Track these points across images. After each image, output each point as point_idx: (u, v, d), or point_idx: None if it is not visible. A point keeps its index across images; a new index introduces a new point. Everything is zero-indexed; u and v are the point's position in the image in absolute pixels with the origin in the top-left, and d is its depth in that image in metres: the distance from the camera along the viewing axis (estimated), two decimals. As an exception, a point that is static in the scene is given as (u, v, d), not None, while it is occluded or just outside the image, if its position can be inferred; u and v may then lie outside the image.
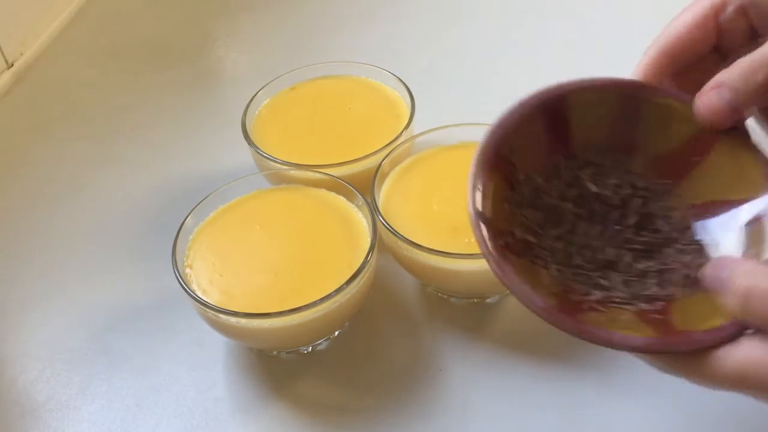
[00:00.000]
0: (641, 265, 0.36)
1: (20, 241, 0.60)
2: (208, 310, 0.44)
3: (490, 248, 0.34)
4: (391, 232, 0.47)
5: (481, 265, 0.46)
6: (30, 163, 0.68)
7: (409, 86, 0.58)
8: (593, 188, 0.38)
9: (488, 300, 0.51)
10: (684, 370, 0.32)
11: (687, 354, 0.31)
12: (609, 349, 0.48)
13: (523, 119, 0.37)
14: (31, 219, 0.62)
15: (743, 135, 0.36)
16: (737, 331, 0.30)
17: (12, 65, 0.78)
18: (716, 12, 0.36)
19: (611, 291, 0.35)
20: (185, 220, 0.49)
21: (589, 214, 0.37)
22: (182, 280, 0.46)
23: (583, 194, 0.38)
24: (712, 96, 0.34)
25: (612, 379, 0.46)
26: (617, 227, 0.37)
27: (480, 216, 0.34)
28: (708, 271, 0.32)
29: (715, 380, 0.30)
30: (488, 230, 0.34)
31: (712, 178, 0.36)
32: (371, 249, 0.46)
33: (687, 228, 0.37)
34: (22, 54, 0.80)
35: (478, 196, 0.35)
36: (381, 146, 0.53)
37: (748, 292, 0.30)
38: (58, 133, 0.71)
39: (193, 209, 0.50)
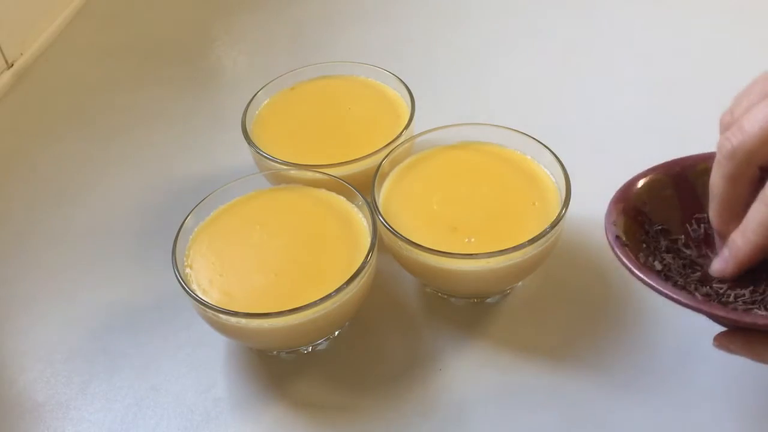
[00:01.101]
0: None
1: (20, 241, 0.60)
2: (208, 310, 0.44)
3: (630, 260, 0.37)
4: (391, 232, 0.47)
5: (481, 265, 0.46)
6: (30, 163, 0.68)
7: (409, 86, 0.58)
8: None
9: (488, 300, 0.51)
10: None
11: None
12: (608, 350, 0.48)
13: (652, 180, 0.41)
14: (32, 219, 0.62)
15: None
16: None
17: (12, 65, 0.78)
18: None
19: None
20: (185, 220, 0.49)
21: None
22: (182, 280, 0.46)
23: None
24: (719, 261, 0.38)
25: (612, 378, 0.46)
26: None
27: (617, 239, 0.38)
28: None
29: None
30: (624, 249, 0.38)
31: None
32: (371, 249, 0.46)
33: None
34: (22, 54, 0.80)
35: (612, 227, 0.39)
36: (381, 146, 0.53)
37: None
38: (58, 133, 0.71)
39: (193, 209, 0.50)
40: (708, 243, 0.41)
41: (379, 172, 0.51)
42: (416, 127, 0.55)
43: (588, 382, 0.46)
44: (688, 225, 0.42)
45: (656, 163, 0.43)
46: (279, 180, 0.54)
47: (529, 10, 0.82)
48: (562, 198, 0.48)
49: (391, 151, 0.52)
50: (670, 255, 0.40)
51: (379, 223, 0.48)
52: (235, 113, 0.58)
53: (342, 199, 0.51)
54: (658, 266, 0.39)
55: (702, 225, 0.42)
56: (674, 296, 0.35)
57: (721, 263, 0.38)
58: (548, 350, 0.48)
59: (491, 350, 0.48)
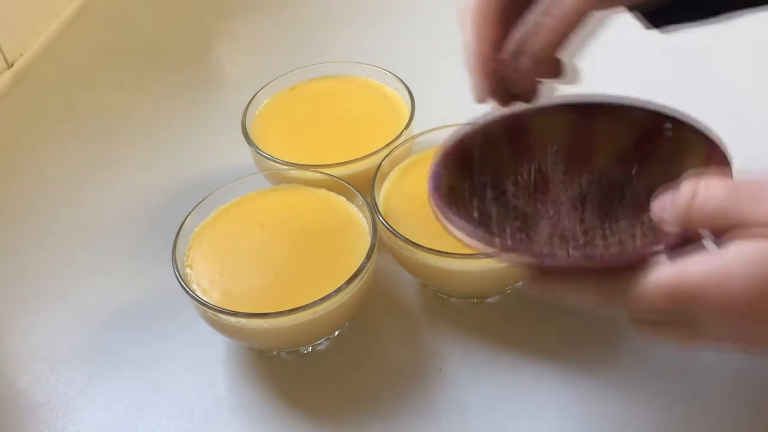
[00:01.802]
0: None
1: (20, 241, 0.60)
2: (208, 310, 0.44)
3: (436, 197, 0.37)
4: (391, 232, 0.47)
5: (481, 265, 0.46)
6: (30, 164, 0.68)
7: (409, 86, 0.58)
8: (554, 186, 0.41)
9: (488, 300, 0.51)
10: (616, 294, 0.31)
11: (619, 274, 0.31)
12: (608, 350, 0.48)
13: (486, 128, 0.41)
14: (32, 219, 0.62)
15: (686, 124, 0.38)
16: (675, 242, 0.31)
17: (12, 65, 0.78)
18: None
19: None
20: (185, 220, 0.49)
21: (550, 211, 0.40)
22: (182, 280, 0.46)
23: (542, 193, 0.41)
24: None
25: (612, 378, 0.46)
26: (575, 214, 0.39)
27: (436, 189, 0.37)
28: (653, 206, 0.33)
29: (647, 298, 0.30)
30: (439, 189, 0.37)
31: (662, 165, 0.39)
32: (371, 249, 0.46)
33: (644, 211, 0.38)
34: (22, 54, 0.80)
35: (437, 177, 0.38)
36: (381, 146, 0.53)
37: (688, 201, 0.30)
38: (58, 133, 0.71)
39: (193, 209, 0.50)
40: (538, 189, 0.41)
41: (379, 172, 0.51)
42: (416, 127, 0.55)
43: (588, 382, 0.46)
44: (518, 174, 0.42)
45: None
46: (279, 180, 0.54)
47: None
48: (562, 198, 0.48)
49: (391, 151, 0.52)
50: (493, 204, 0.40)
51: (379, 223, 0.48)
52: (235, 113, 0.58)
53: (342, 199, 0.51)
54: (475, 214, 0.39)
55: (532, 169, 0.42)
56: (466, 238, 0.35)
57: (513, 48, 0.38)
58: (548, 350, 0.48)
59: (491, 350, 0.48)
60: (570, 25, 0.37)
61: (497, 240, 0.36)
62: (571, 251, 0.37)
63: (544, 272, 0.33)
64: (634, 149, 0.40)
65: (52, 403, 0.48)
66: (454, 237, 0.35)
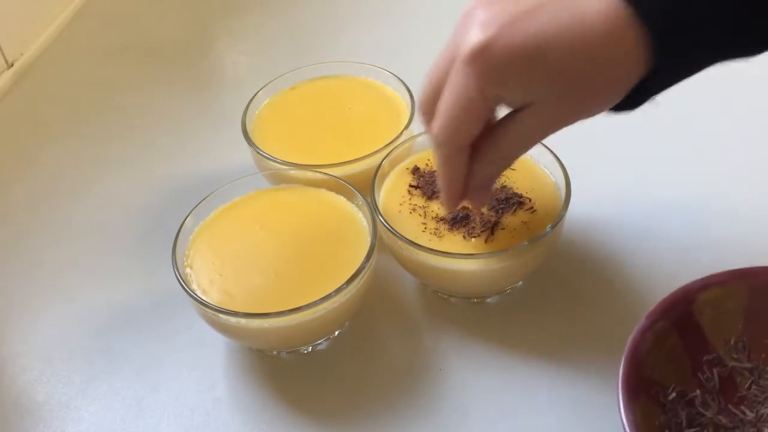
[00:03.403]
0: None
1: (21, 241, 0.60)
2: (208, 310, 0.44)
3: None
4: (391, 232, 0.47)
5: (481, 265, 0.46)
6: (30, 163, 0.68)
7: (409, 86, 0.58)
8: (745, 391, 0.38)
9: (488, 300, 0.51)
10: None
11: None
12: (609, 350, 0.48)
13: (657, 335, 0.37)
14: (32, 219, 0.62)
15: None
16: None
17: (12, 65, 0.78)
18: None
19: None
20: (185, 220, 0.49)
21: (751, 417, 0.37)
22: (182, 280, 0.46)
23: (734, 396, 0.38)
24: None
25: (612, 379, 0.46)
26: None
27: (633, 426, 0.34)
28: None
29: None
30: None
31: None
32: (371, 249, 0.46)
33: None
34: (22, 54, 0.80)
35: (631, 426, 0.34)
36: (381, 146, 0.53)
37: None
38: (58, 133, 0.71)
39: (193, 209, 0.50)
40: (724, 390, 0.38)
41: (379, 172, 0.51)
42: (416, 127, 0.55)
43: (588, 382, 0.46)
44: (700, 374, 0.39)
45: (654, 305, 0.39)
46: (279, 180, 0.54)
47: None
48: (562, 198, 0.48)
49: (391, 151, 0.52)
50: (692, 430, 0.37)
51: (379, 223, 0.48)
52: (235, 113, 0.58)
53: (342, 199, 0.51)
54: None
55: (714, 369, 0.39)
56: None
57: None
58: (548, 350, 0.48)
59: (491, 350, 0.48)
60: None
61: None
62: None
63: None
64: None
65: (52, 403, 0.48)
66: None
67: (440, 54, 0.39)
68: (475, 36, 0.35)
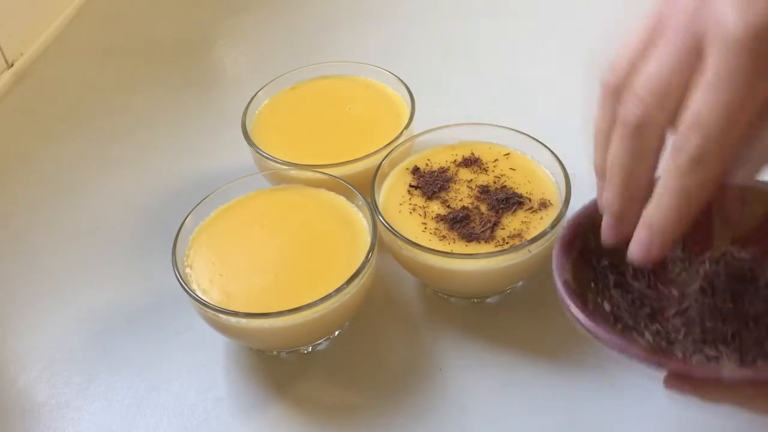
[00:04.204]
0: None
1: (20, 241, 0.60)
2: (208, 310, 0.44)
3: (578, 311, 0.35)
4: (391, 232, 0.47)
5: (481, 265, 0.46)
6: (30, 163, 0.68)
7: (409, 86, 0.58)
8: (676, 275, 0.39)
9: (488, 300, 0.51)
10: None
11: None
12: (608, 350, 0.48)
13: (596, 213, 0.38)
14: (31, 219, 0.62)
15: None
16: None
17: (12, 65, 0.78)
18: None
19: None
20: (185, 220, 0.49)
21: (676, 295, 0.38)
22: (182, 280, 0.46)
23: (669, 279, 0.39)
24: (639, 245, 0.33)
25: (611, 379, 0.46)
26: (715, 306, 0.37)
27: (566, 284, 0.36)
28: None
29: None
30: (574, 297, 0.35)
31: None
32: (371, 249, 0.46)
33: None
34: (22, 54, 0.80)
35: (563, 270, 0.37)
36: (381, 146, 0.53)
37: None
38: (58, 133, 0.71)
39: (193, 209, 0.50)
40: (655, 273, 0.39)
41: (379, 172, 0.51)
42: (416, 127, 0.55)
43: (588, 382, 0.46)
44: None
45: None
46: (279, 180, 0.54)
47: (530, 10, 0.82)
48: (562, 198, 0.48)
49: (391, 151, 0.52)
50: (618, 291, 0.39)
51: (379, 223, 0.48)
52: (235, 113, 0.58)
53: (342, 199, 0.51)
54: (607, 307, 0.38)
55: None
56: (627, 350, 0.33)
57: (641, 248, 0.33)
58: (548, 350, 0.48)
59: (491, 350, 0.48)
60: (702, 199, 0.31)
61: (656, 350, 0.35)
62: (726, 355, 0.35)
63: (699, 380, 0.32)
64: (763, 232, 0.38)
65: (52, 403, 0.48)
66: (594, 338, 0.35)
67: (642, 28, 0.32)
68: (744, 12, 0.27)
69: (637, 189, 0.33)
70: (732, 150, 0.29)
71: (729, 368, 0.33)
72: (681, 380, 0.32)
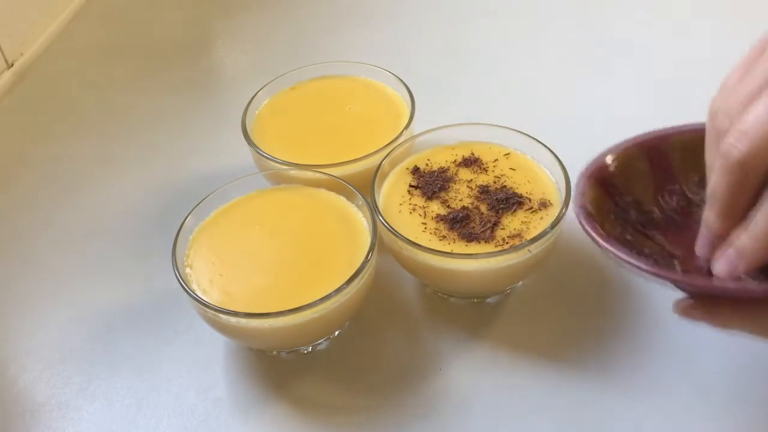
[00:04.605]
0: None
1: (20, 241, 0.60)
2: (208, 310, 0.44)
3: (594, 231, 0.36)
4: (391, 232, 0.47)
5: (481, 265, 0.46)
6: (30, 163, 0.68)
7: (409, 86, 0.58)
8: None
9: (488, 300, 0.51)
10: None
11: None
12: (608, 350, 0.48)
13: (628, 154, 0.41)
14: (32, 219, 0.62)
15: None
16: None
17: (12, 65, 0.78)
18: None
19: None
20: (185, 220, 0.49)
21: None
22: (182, 280, 0.46)
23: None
24: (726, 262, 0.34)
25: (612, 379, 0.46)
26: None
27: (583, 209, 0.38)
28: None
29: None
30: (592, 221, 0.37)
31: None
32: (371, 249, 0.46)
33: None
34: (22, 54, 0.80)
35: (580, 197, 0.39)
36: (381, 146, 0.53)
37: None
38: (58, 133, 0.71)
39: (193, 209, 0.50)
40: (681, 214, 0.41)
41: (379, 172, 0.51)
42: (416, 127, 0.55)
43: (588, 382, 0.46)
44: (660, 197, 0.42)
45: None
46: (279, 180, 0.54)
47: (529, 10, 0.82)
48: (562, 198, 0.48)
49: (391, 151, 0.52)
50: (639, 227, 0.40)
51: (379, 223, 0.48)
52: (235, 113, 0.58)
53: (342, 199, 0.51)
54: (627, 236, 0.39)
55: (674, 197, 0.42)
56: (637, 264, 0.34)
57: (727, 264, 0.34)
58: (548, 350, 0.48)
59: (491, 350, 0.48)
60: None
61: (675, 266, 0.36)
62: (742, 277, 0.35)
63: (710, 299, 0.33)
64: None
65: (52, 403, 0.48)
66: (613, 259, 0.35)
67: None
68: None
69: (737, 214, 0.34)
70: None
71: (746, 282, 0.34)
72: (693, 305, 0.33)
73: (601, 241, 0.36)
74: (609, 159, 0.41)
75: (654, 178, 0.42)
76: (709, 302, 0.34)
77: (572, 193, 0.39)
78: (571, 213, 0.46)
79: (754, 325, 0.33)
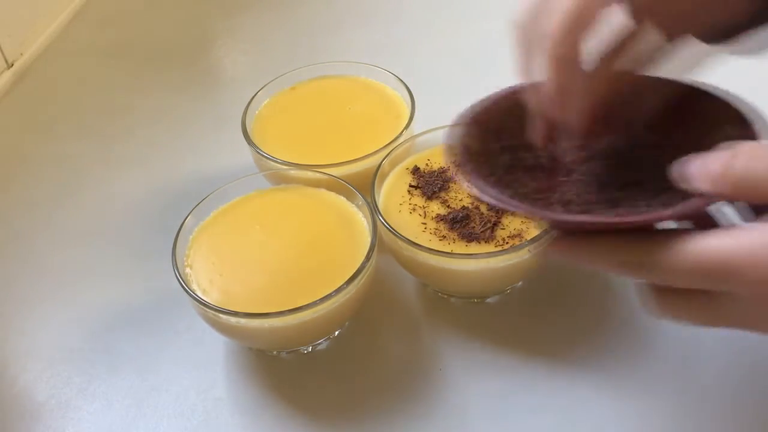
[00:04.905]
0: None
1: (20, 241, 0.60)
2: (208, 310, 0.44)
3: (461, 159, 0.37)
4: (391, 232, 0.47)
5: (481, 265, 0.46)
6: (30, 163, 0.68)
7: (409, 86, 0.58)
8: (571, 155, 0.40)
9: (488, 300, 0.51)
10: (647, 259, 0.30)
11: (654, 239, 0.30)
12: (608, 350, 0.48)
13: (501, 98, 0.42)
14: (31, 219, 0.62)
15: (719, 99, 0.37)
16: (704, 203, 0.30)
17: (12, 65, 0.78)
18: None
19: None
20: (185, 220, 0.49)
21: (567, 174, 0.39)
22: (182, 280, 0.46)
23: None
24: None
25: (611, 379, 0.46)
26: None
27: (465, 149, 0.38)
28: (684, 166, 0.31)
29: (682, 268, 0.29)
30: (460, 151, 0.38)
31: (691, 138, 0.37)
32: (371, 249, 0.46)
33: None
34: (22, 54, 0.80)
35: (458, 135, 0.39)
36: (381, 146, 0.53)
37: (726, 163, 0.29)
38: (58, 133, 0.71)
39: (193, 209, 0.50)
40: (550, 160, 0.40)
41: (379, 172, 0.51)
42: (416, 127, 0.55)
43: (588, 382, 0.46)
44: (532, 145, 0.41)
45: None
46: (279, 180, 0.54)
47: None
48: (562, 198, 0.48)
49: (391, 151, 0.52)
50: (512, 169, 0.39)
51: (379, 223, 0.48)
52: (235, 113, 0.58)
53: (342, 199, 0.51)
54: (493, 178, 0.38)
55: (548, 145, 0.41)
56: (489, 198, 0.34)
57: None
58: (548, 350, 0.48)
59: (491, 350, 0.48)
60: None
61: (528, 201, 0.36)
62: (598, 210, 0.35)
63: (567, 234, 0.33)
64: (657, 123, 0.39)
65: (52, 403, 0.48)
66: (479, 199, 0.36)
67: None
68: None
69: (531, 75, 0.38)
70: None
71: (599, 214, 0.34)
72: (557, 242, 0.33)
73: (465, 178, 0.36)
74: (486, 105, 0.42)
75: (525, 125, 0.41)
76: (567, 236, 0.33)
77: (447, 134, 0.39)
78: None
79: (608, 259, 0.32)
